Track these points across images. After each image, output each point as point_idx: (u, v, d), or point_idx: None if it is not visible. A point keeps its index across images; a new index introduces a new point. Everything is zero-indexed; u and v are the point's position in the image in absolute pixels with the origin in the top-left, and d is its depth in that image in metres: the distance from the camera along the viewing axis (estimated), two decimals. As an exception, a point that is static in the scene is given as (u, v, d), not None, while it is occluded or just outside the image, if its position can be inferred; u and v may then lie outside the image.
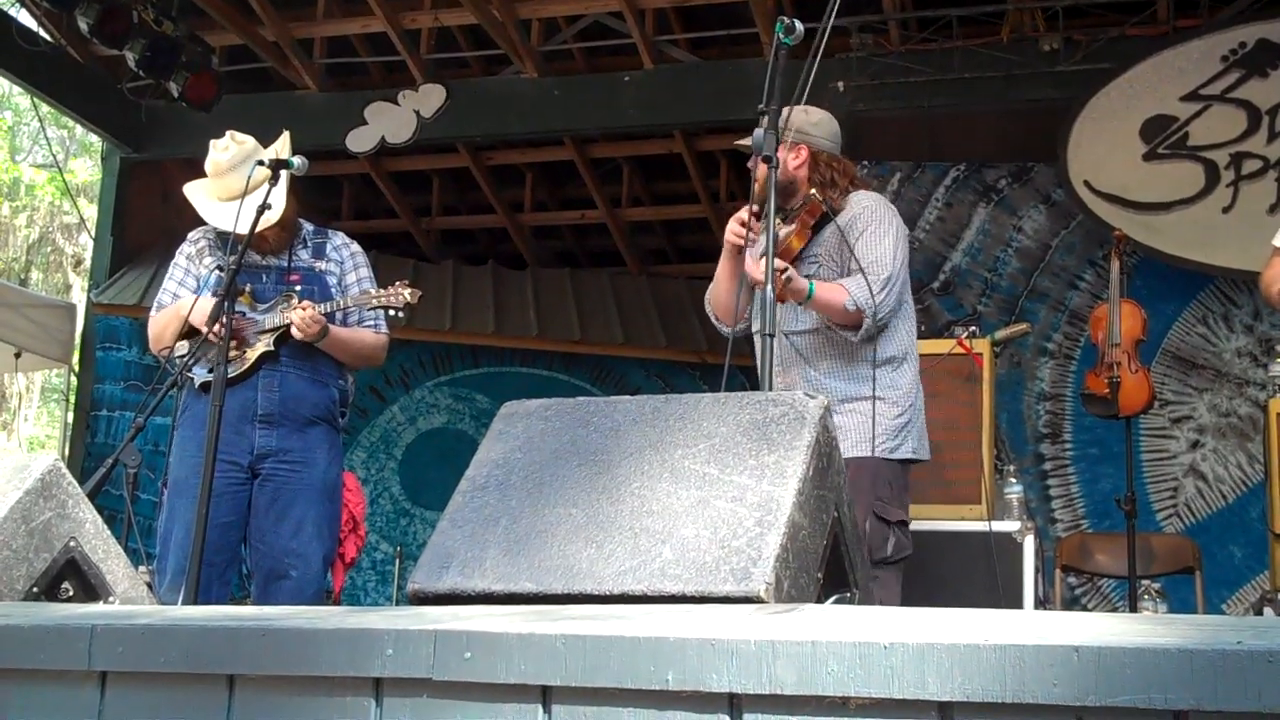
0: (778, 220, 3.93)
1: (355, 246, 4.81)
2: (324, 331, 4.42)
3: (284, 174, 4.42)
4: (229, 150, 4.61)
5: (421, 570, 2.47)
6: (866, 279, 4.01)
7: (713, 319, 4.42)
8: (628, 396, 2.79)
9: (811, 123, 4.27)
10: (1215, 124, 7.75)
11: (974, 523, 5.10)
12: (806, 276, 4.09)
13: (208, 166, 4.65)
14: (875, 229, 4.13)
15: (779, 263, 3.87)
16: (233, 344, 4.41)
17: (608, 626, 1.88)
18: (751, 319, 4.28)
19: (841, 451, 3.94)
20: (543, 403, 2.77)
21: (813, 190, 4.11)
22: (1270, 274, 4.07)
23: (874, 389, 4.05)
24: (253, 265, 4.59)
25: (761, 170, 3.91)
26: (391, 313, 4.44)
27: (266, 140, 4.77)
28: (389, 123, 9.50)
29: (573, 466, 2.57)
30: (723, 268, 4.28)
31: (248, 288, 4.52)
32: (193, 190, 4.70)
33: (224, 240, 4.61)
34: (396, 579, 9.66)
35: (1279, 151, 7.59)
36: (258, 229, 4.29)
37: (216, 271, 4.54)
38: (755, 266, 3.86)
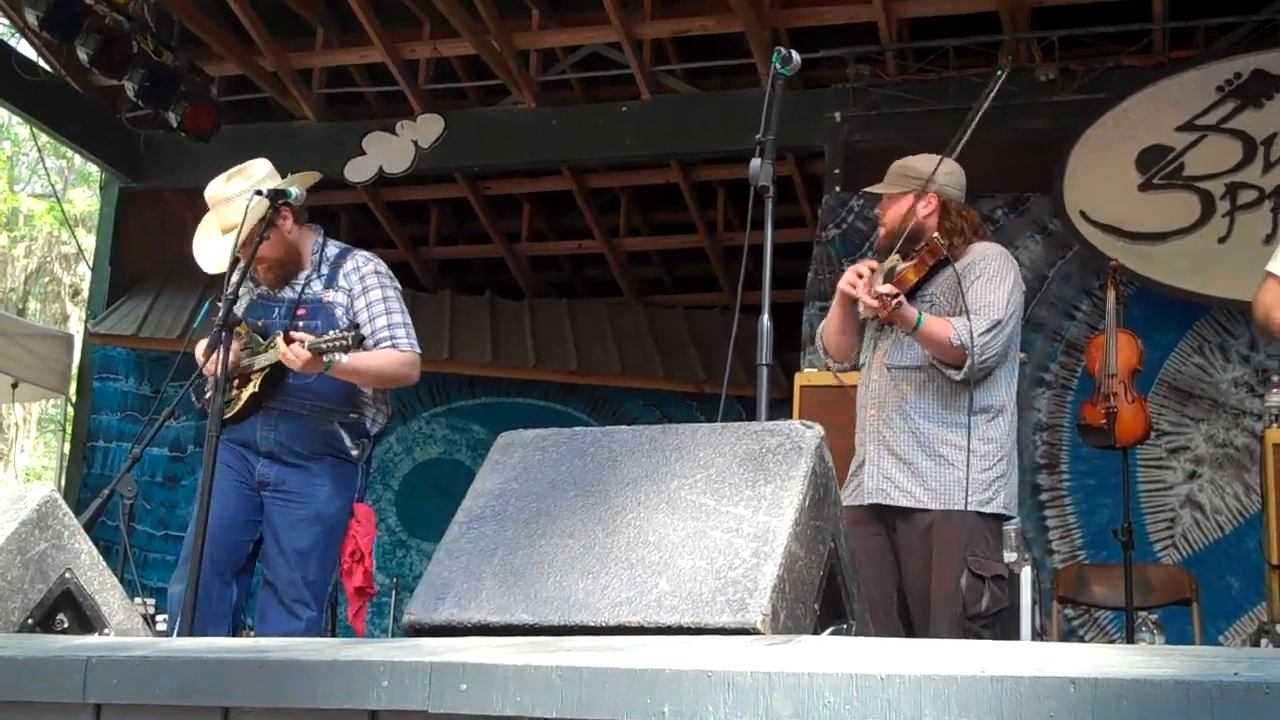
0: (895, 256, 4.05)
1: (368, 268, 4.62)
2: (327, 364, 4.32)
3: (254, 208, 4.38)
4: (230, 181, 4.60)
5: (417, 602, 2.46)
6: (972, 321, 4.05)
7: (822, 354, 4.51)
8: (624, 427, 2.79)
9: (945, 173, 4.35)
10: (1211, 154, 7.77)
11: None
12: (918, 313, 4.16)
13: (207, 197, 4.65)
14: (992, 276, 4.18)
15: (890, 288, 3.98)
16: (234, 383, 4.41)
17: (604, 658, 1.88)
18: (862, 353, 4.37)
19: (929, 499, 4.01)
20: (539, 433, 2.77)
21: (936, 234, 4.15)
22: (1265, 300, 4.06)
23: (969, 438, 4.06)
24: (266, 299, 4.58)
25: (889, 215, 4.05)
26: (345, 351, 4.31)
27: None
28: (387, 153, 9.53)
29: (569, 497, 2.57)
30: (834, 314, 4.36)
31: (260, 323, 4.50)
32: (202, 225, 4.68)
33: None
34: (393, 610, 9.64)
35: (1274, 181, 7.61)
36: (242, 259, 4.27)
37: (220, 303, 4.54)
38: (868, 295, 4.02)
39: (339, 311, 4.52)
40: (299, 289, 4.55)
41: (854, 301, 4.21)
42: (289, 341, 4.26)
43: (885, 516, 4.16)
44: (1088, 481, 7.85)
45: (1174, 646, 5.05)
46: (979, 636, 3.95)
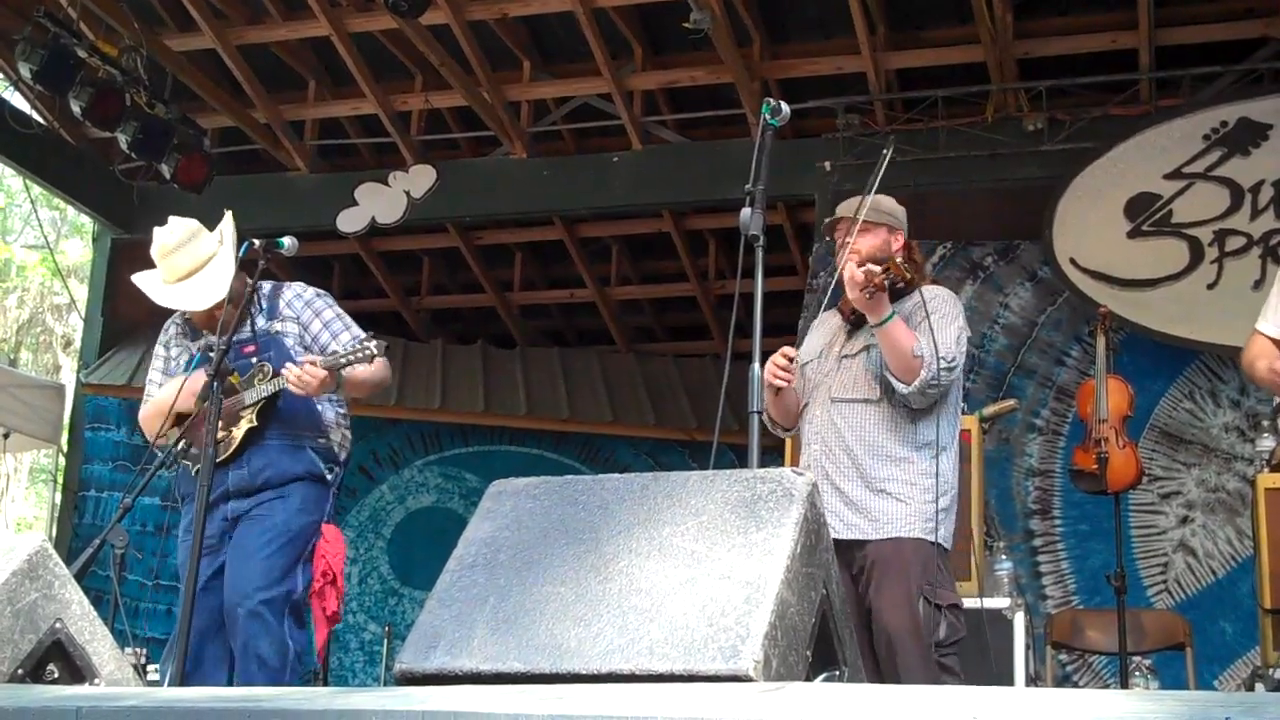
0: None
1: (308, 294, 4.67)
2: (337, 380, 4.32)
3: (227, 251, 4.43)
4: (174, 233, 4.64)
5: (409, 650, 2.46)
6: (935, 340, 4.06)
7: (770, 425, 4.43)
8: (616, 474, 2.79)
9: (900, 210, 4.39)
10: (1198, 201, 7.83)
11: (964, 599, 5.08)
12: (866, 349, 4.18)
13: (154, 251, 4.68)
14: (944, 315, 4.19)
15: (874, 269, 3.98)
16: (220, 425, 4.41)
17: (596, 706, 1.88)
18: (804, 394, 4.34)
19: (873, 530, 3.99)
20: (531, 481, 2.78)
21: (900, 259, 4.15)
22: (1250, 354, 4.09)
23: (913, 472, 4.07)
24: (210, 347, 4.55)
25: (866, 244, 4.03)
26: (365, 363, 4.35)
27: (257, 225, 4.79)
28: (379, 203, 9.57)
29: (561, 545, 2.57)
30: (769, 400, 4.29)
31: (234, 370, 4.51)
32: (141, 280, 4.71)
33: (191, 325, 4.67)
34: (385, 659, 9.60)
35: (1262, 228, 7.67)
36: (207, 309, 4.34)
37: (197, 354, 4.57)
38: (851, 272, 4.00)
39: (289, 341, 4.54)
40: (248, 329, 4.55)
41: (778, 392, 4.20)
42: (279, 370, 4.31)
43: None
44: (1080, 527, 7.86)
45: (1168, 691, 5.03)
46: (943, 666, 3.93)
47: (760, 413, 3.69)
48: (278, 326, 4.58)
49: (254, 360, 4.48)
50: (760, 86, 8.50)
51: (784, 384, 4.13)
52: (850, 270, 4.03)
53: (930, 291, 4.25)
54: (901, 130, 8.39)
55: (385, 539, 10.65)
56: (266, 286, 4.67)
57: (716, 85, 8.88)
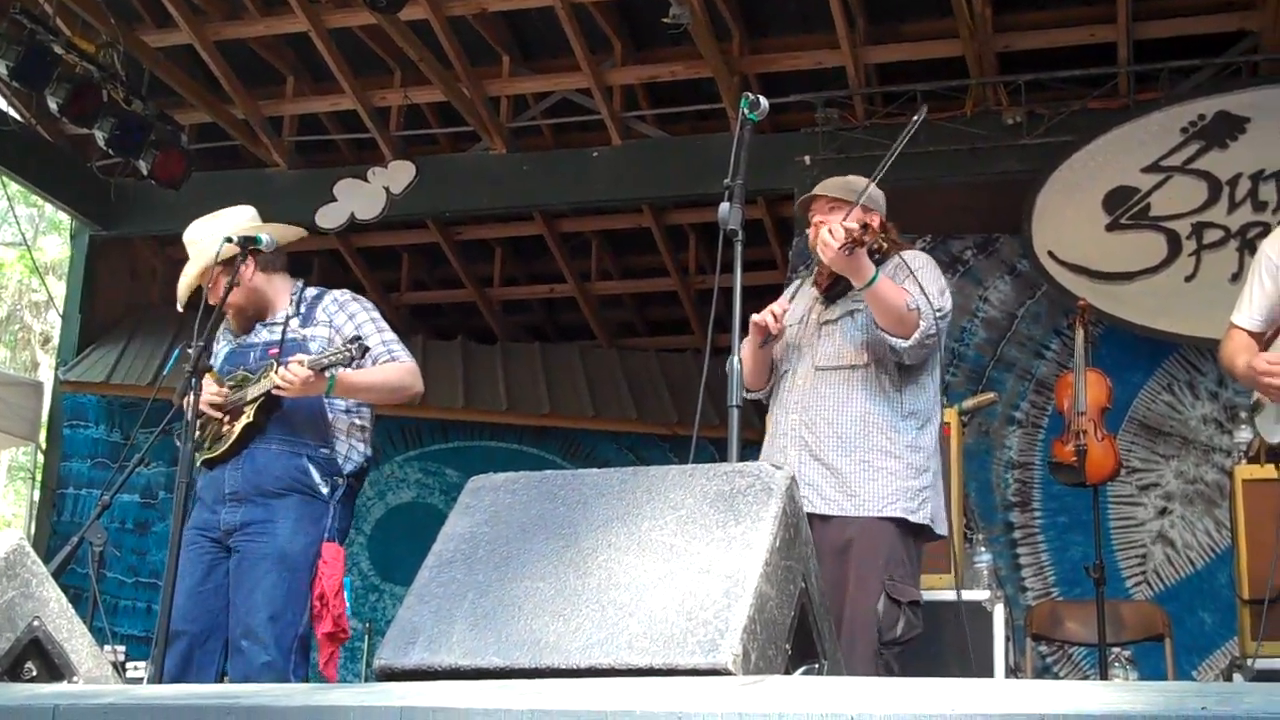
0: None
1: (345, 298, 4.64)
2: (329, 381, 4.26)
3: (204, 253, 4.41)
4: (207, 224, 4.62)
5: (388, 646, 2.46)
6: (925, 293, 4.03)
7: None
8: (595, 469, 2.79)
9: (880, 195, 4.37)
10: (1176, 195, 7.86)
11: (943, 591, 5.10)
12: (849, 314, 4.15)
13: (185, 238, 4.67)
14: (927, 272, 4.18)
15: (851, 224, 3.94)
16: (225, 419, 4.39)
17: (575, 701, 1.88)
18: (782, 362, 4.30)
19: (852, 507, 3.96)
20: (509, 476, 2.78)
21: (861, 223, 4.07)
22: (1229, 349, 4.11)
23: (898, 443, 4.05)
24: (244, 345, 4.54)
25: (822, 235, 3.99)
26: (350, 364, 4.31)
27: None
28: (358, 199, 9.54)
29: (540, 540, 2.57)
30: (747, 349, 4.23)
31: (239, 370, 4.47)
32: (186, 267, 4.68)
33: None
34: (365, 655, 9.58)
35: (1240, 220, 7.69)
36: (213, 303, 4.30)
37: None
38: (823, 239, 3.94)
39: (316, 344, 4.45)
40: (278, 331, 4.51)
41: (763, 343, 4.17)
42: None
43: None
44: (1059, 519, 7.89)
45: (1146, 682, 5.06)
46: (889, 665, 3.91)
47: (740, 406, 3.69)
48: (309, 331, 4.51)
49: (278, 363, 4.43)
50: (740, 81, 8.50)
51: (774, 330, 4.10)
52: (824, 235, 3.96)
53: (909, 254, 4.24)
54: (880, 124, 8.39)
55: (365, 535, 10.62)
56: (312, 293, 4.64)
57: (696, 80, 8.88)
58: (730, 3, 8.39)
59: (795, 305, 4.36)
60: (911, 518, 4.03)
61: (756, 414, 7.24)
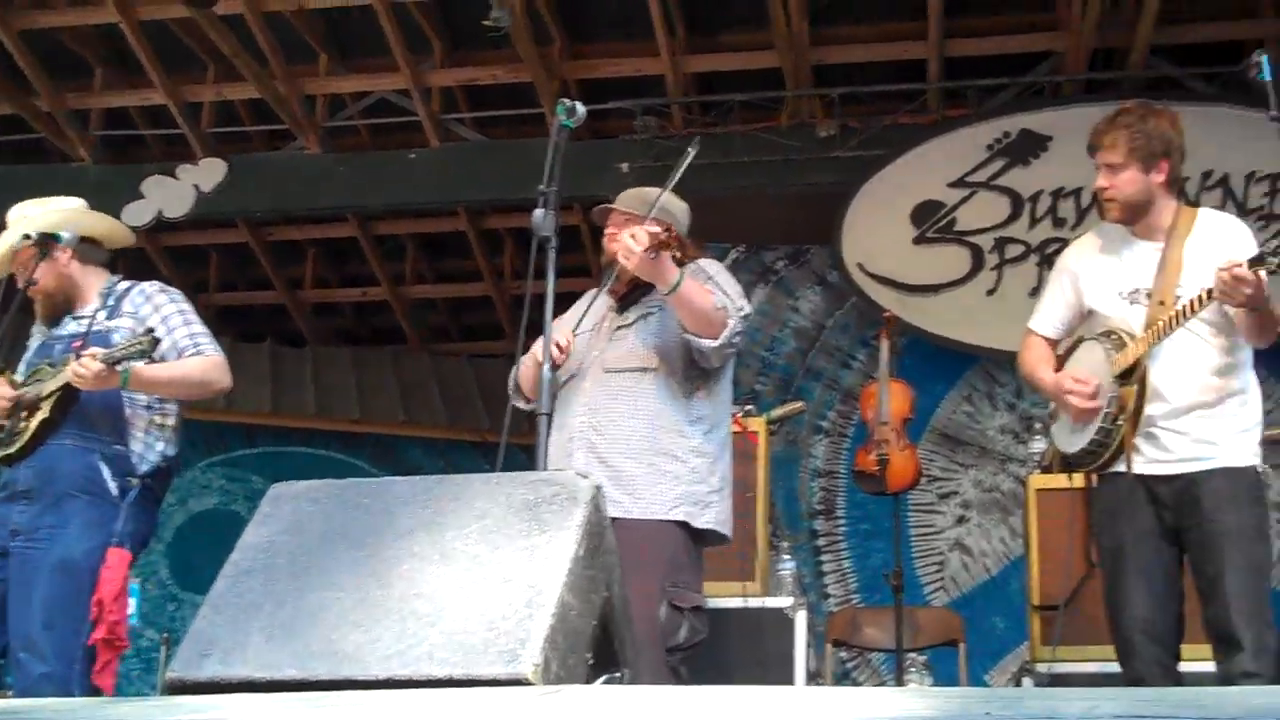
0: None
1: (152, 289, 4.50)
2: (124, 375, 4.13)
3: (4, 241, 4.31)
4: (25, 208, 4.51)
5: (180, 659, 2.40)
6: (728, 294, 4.06)
7: (514, 395, 4.36)
8: (400, 478, 2.77)
9: (680, 209, 4.35)
10: (981, 210, 8.09)
11: (748, 599, 5.17)
12: (643, 317, 4.16)
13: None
14: (725, 276, 4.23)
15: (653, 228, 3.90)
16: (24, 415, 4.25)
17: (372, 713, 1.86)
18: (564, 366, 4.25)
19: (638, 510, 3.96)
20: (311, 485, 2.74)
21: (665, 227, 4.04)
22: (1028, 358, 4.26)
23: (684, 447, 4.06)
24: (53, 338, 4.42)
25: (623, 240, 3.96)
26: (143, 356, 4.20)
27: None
28: (166, 196, 9.30)
29: (341, 549, 2.54)
30: (530, 365, 4.23)
31: (47, 363, 4.34)
32: None
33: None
34: (163, 667, 9.33)
35: (1040, 237, 7.96)
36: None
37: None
38: (626, 244, 3.89)
39: (116, 338, 4.31)
40: (85, 324, 4.39)
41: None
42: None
43: None
44: (862, 526, 8.07)
45: (936, 689, 5.20)
46: (676, 671, 3.93)
47: (550, 414, 3.69)
48: (114, 323, 4.38)
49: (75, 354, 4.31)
50: (560, 86, 8.50)
51: (558, 360, 4.00)
52: (626, 240, 3.91)
53: (704, 261, 4.28)
54: (698, 133, 8.47)
55: (165, 542, 10.33)
56: (123, 286, 4.51)
57: (516, 84, 8.85)
58: (552, 7, 8.38)
59: (586, 318, 4.33)
60: (694, 522, 4.04)
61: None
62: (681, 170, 4.04)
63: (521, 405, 4.30)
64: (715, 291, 4.07)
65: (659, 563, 3.95)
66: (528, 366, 4.23)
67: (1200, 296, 3.73)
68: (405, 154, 9.32)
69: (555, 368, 4.02)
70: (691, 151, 4.00)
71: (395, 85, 8.95)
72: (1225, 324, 3.91)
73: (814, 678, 5.33)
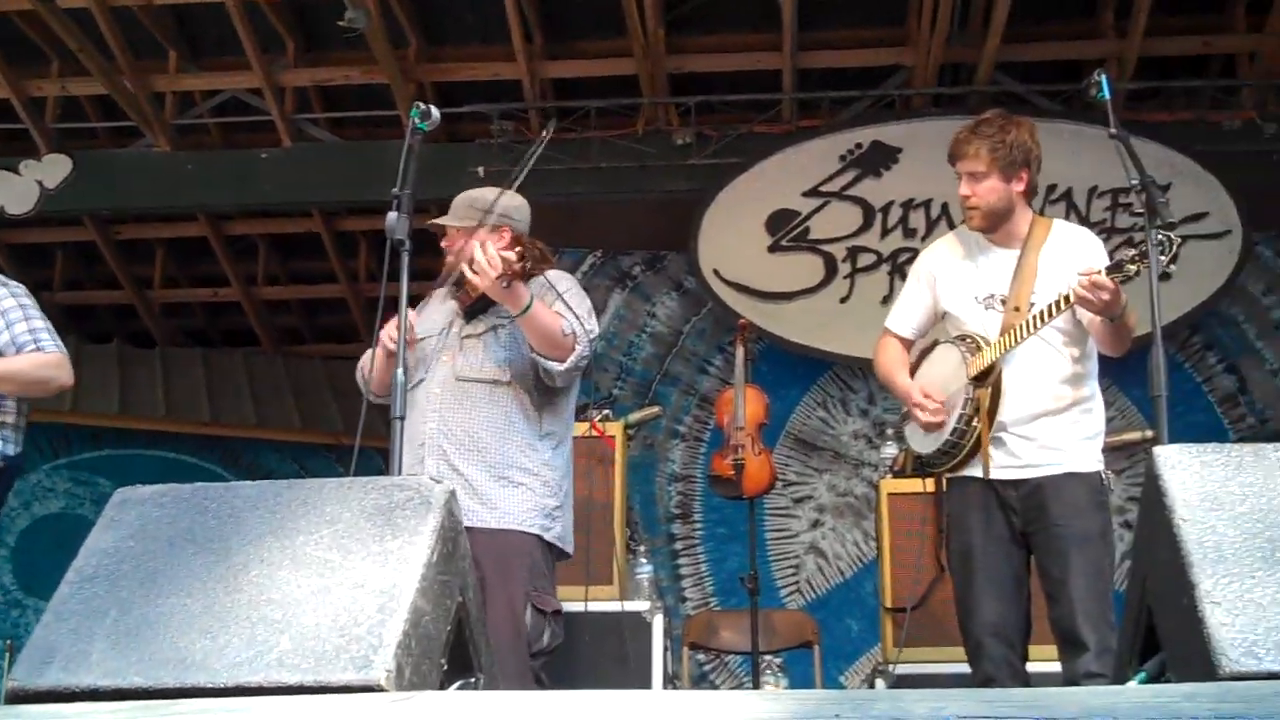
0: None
1: None
2: None
3: None
4: None
5: (22, 667, 2.34)
6: (576, 315, 4.05)
7: (364, 387, 4.31)
8: (249, 482, 2.72)
9: (513, 206, 4.30)
10: (834, 219, 8.22)
11: (606, 603, 5.18)
12: (493, 329, 4.14)
13: None
14: (574, 294, 4.21)
15: (509, 255, 3.87)
16: None
17: (219, 721, 1.83)
18: (415, 369, 4.20)
19: (494, 520, 3.95)
20: (158, 489, 2.68)
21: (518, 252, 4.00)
22: (884, 359, 4.35)
23: (535, 462, 4.07)
24: None
25: (466, 248, 3.93)
26: None
27: None
28: (9, 193, 9.03)
29: (188, 555, 2.49)
30: (379, 361, 4.20)
31: None
32: None
33: None
34: (4, 675, 9.06)
35: (891, 246, 8.12)
36: None
37: None
38: (481, 266, 3.89)
39: None
40: None
41: (390, 355, 4.05)
42: None
43: None
44: (719, 530, 8.13)
45: (789, 691, 5.26)
46: (538, 677, 3.95)
47: (403, 418, 3.67)
48: None
49: None
50: (416, 89, 8.44)
51: (393, 348, 3.98)
52: (480, 262, 3.90)
53: (553, 274, 4.25)
54: (556, 139, 8.46)
55: (9, 547, 10.05)
56: None
57: (372, 85, 8.77)
58: (408, 10, 8.32)
59: (432, 315, 4.32)
60: (545, 535, 4.07)
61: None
62: (531, 161, 4.05)
63: (372, 399, 4.25)
64: (565, 314, 4.06)
65: (521, 569, 3.97)
66: (379, 357, 4.19)
67: (1057, 303, 3.83)
68: (257, 153, 9.17)
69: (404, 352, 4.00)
70: (546, 135, 4.01)
71: (247, 84, 8.80)
72: (1076, 333, 4.02)
73: (672, 681, 5.36)
